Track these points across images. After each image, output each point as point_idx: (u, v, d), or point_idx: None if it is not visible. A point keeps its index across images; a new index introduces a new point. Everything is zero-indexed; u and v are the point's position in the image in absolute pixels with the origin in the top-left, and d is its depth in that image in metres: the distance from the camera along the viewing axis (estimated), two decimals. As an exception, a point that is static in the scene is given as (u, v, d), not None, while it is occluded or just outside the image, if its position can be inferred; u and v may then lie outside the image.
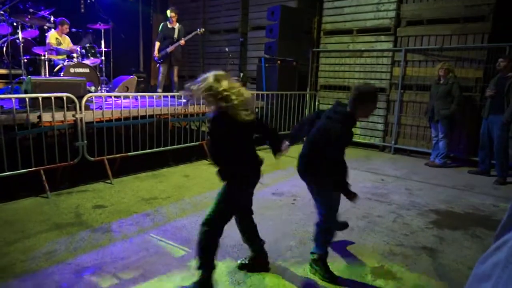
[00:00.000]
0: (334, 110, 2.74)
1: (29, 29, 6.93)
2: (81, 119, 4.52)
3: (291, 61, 7.78)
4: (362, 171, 5.82)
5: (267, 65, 7.67)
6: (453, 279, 2.82)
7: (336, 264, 2.95)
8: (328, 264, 2.83)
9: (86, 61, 6.67)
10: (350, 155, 6.91)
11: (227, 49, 8.62)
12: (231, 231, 3.45)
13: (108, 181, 4.79)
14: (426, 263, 3.03)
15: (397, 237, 3.48)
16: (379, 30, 7.34)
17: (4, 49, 6.67)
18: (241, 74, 9.39)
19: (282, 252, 3.11)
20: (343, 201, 4.37)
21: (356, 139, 7.74)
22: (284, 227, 3.61)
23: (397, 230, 3.64)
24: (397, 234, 3.54)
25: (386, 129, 7.41)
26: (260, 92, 7.48)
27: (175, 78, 7.59)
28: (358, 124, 7.69)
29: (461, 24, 6.39)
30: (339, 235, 3.45)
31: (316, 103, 8.18)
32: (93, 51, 7.05)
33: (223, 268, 2.83)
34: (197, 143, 6.02)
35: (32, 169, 4.15)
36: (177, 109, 5.81)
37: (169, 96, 5.91)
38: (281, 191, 4.71)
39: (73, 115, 4.48)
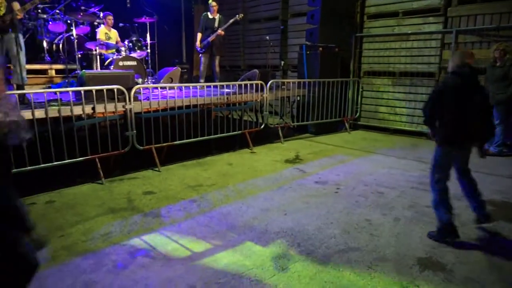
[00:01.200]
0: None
1: (82, 25, 7.33)
2: (130, 110, 4.75)
3: (333, 47, 7.60)
4: (409, 160, 5.62)
5: (308, 52, 7.56)
6: (507, 271, 2.68)
7: (381, 253, 2.91)
8: (372, 253, 2.79)
9: (133, 54, 6.96)
10: (396, 143, 6.73)
11: (267, 37, 8.58)
12: (274, 218, 3.52)
13: (156, 168, 5.02)
14: (478, 256, 2.89)
15: (447, 228, 3.34)
16: (427, 11, 6.94)
17: (61, 45, 7.14)
18: (282, 62, 9.34)
19: (325, 240, 3.11)
20: (390, 190, 4.27)
21: (402, 126, 7.47)
22: (327, 216, 3.60)
23: (446, 221, 3.49)
24: (446, 225, 3.40)
25: (434, 115, 7.05)
26: (301, 80, 7.40)
27: (217, 68, 7.70)
28: (404, 111, 7.42)
29: (521, 0, 5.88)
30: (381, 223, 3.39)
31: (360, 90, 7.96)
32: (139, 44, 7.33)
33: (267, 253, 2.89)
34: (239, 132, 6.11)
35: (88, 157, 4.45)
36: (220, 98, 5.92)
37: (211, 86, 6.02)
38: (325, 179, 4.68)
39: (123, 106, 4.72)
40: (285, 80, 7.67)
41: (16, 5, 4.52)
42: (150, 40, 7.93)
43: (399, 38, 7.38)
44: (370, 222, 3.47)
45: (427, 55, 7.03)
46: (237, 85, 6.34)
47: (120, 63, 6.35)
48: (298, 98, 7.49)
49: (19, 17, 4.57)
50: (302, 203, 3.91)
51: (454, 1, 6.60)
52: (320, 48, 7.39)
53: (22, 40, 4.74)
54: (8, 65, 5.64)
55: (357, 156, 5.84)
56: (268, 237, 3.16)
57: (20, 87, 4.74)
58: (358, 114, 8.08)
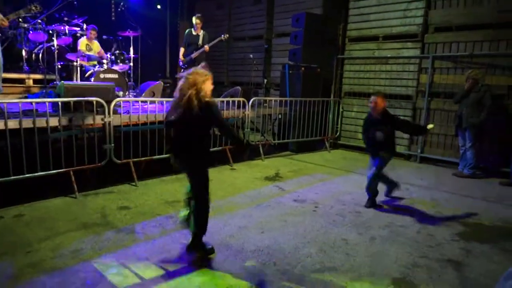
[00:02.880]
0: None
1: (63, 36, 7.26)
2: (109, 123, 4.68)
3: (315, 67, 7.76)
4: (386, 180, 5.70)
5: (291, 71, 7.68)
6: (480, 294, 2.72)
7: (356, 272, 2.90)
8: (348, 273, 2.78)
9: (116, 67, 6.91)
10: (364, 162, 6.81)
11: (251, 55, 8.70)
12: (251, 236, 3.47)
13: (133, 183, 4.92)
14: (452, 277, 2.93)
15: (421, 249, 3.38)
16: (405, 36, 7.21)
17: (40, 55, 7.03)
18: (265, 80, 9.45)
19: (301, 259, 3.09)
20: (367, 210, 4.31)
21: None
22: (304, 234, 3.59)
23: (421, 241, 3.54)
24: (421, 246, 3.45)
25: (412, 137, 7.24)
26: (283, 99, 7.49)
27: (200, 84, 7.71)
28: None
29: (493, 30, 6.18)
30: (358, 242, 3.41)
31: (340, 109, 8.11)
32: (122, 58, 7.29)
33: (242, 274, 2.84)
34: (219, 148, 6.09)
35: (62, 170, 4.32)
36: (201, 114, 5.90)
37: (193, 102, 6.00)
38: (303, 198, 4.68)
39: (102, 119, 4.65)
40: (267, 98, 7.75)
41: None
42: (134, 54, 7.91)
43: (378, 61, 7.61)
44: (347, 241, 3.48)
45: (405, 78, 7.26)
46: (219, 102, 6.35)
47: (102, 76, 6.28)
48: (280, 116, 7.56)
49: (4, 25, 4.48)
50: (280, 221, 3.89)
51: (431, 28, 6.88)
52: (303, 68, 7.53)
53: None
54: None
55: (337, 175, 5.89)
56: (244, 256, 3.11)
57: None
58: (338, 133, 8.20)
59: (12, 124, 3.97)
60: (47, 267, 2.82)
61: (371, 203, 4.46)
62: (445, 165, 6.70)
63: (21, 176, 4.01)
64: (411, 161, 7.17)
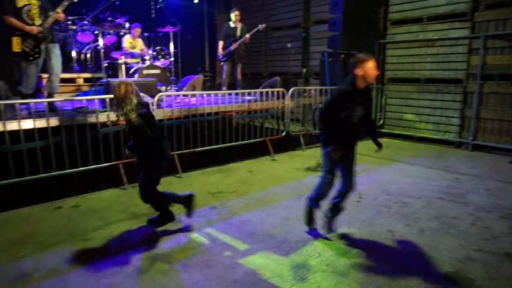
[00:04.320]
0: None
1: (108, 35, 7.58)
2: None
3: (356, 54, 7.50)
4: (435, 169, 5.44)
5: (330, 59, 7.50)
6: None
7: (404, 265, 2.81)
8: (396, 266, 2.70)
9: (157, 63, 7.12)
10: (421, 151, 6.54)
11: (289, 45, 8.60)
12: (294, 227, 3.47)
13: (178, 175, 5.08)
14: (510, 272, 2.75)
15: (476, 242, 3.20)
16: (453, 16, 6.75)
17: (88, 55, 7.40)
18: (304, 70, 9.31)
19: (346, 251, 3.04)
20: (415, 200, 4.15)
21: (428, 134, 7.26)
22: (349, 226, 3.52)
23: (475, 234, 3.35)
24: (475, 238, 3.26)
25: (462, 124, 6.83)
26: (323, 87, 7.34)
27: (239, 76, 7.76)
28: (430, 118, 7.21)
29: (555, 4, 5.64)
30: (405, 234, 3.29)
31: (383, 97, 7.81)
32: (163, 53, 7.50)
33: (286, 263, 2.85)
34: (260, 139, 6.11)
35: (112, 163, 4.55)
36: (241, 106, 5.95)
37: (233, 94, 6.07)
38: (346, 188, 4.59)
39: (147, 114, 4.81)
40: (307, 88, 7.64)
41: (52, 13, 4.69)
42: (174, 49, 8.10)
43: (424, 44, 7.22)
44: (393, 233, 3.37)
45: (453, 61, 6.83)
46: (258, 93, 6.36)
47: (145, 72, 6.50)
48: (320, 106, 7.42)
49: (61, 17, 4.73)
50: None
51: (482, 5, 6.40)
52: (342, 55, 7.32)
53: (59, 50, 4.93)
54: (40, 74, 5.87)
55: (381, 164, 5.71)
56: (288, 246, 3.11)
57: (50, 95, 4.92)
58: (381, 121, 7.92)
59: (66, 120, 4.23)
60: (102, 253, 2.99)
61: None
62: (500, 153, 6.26)
63: (75, 170, 4.28)
64: (462, 149, 6.77)
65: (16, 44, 4.55)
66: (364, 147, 6.99)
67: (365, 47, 7.76)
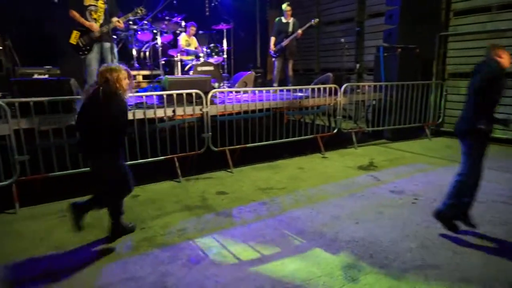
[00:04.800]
0: None
1: (165, 34, 7.92)
2: (207, 113, 5.00)
3: (414, 48, 7.13)
4: (502, 172, 5.02)
5: (386, 54, 7.20)
6: None
7: (464, 273, 2.64)
8: (454, 272, 2.55)
9: (211, 60, 7.31)
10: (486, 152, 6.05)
11: (342, 39, 8.38)
12: (345, 226, 3.41)
13: (229, 170, 5.20)
14: None
15: (548, 252, 2.92)
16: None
17: (147, 53, 7.79)
18: (357, 65, 9.04)
19: (400, 254, 2.93)
20: (477, 204, 3.89)
21: (494, 133, 6.70)
22: (403, 228, 3.39)
23: (548, 243, 3.06)
24: (548, 248, 2.98)
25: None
26: (378, 83, 7.08)
27: (290, 72, 7.73)
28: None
29: None
30: (464, 239, 3.09)
31: (444, 93, 7.35)
32: (216, 50, 7.69)
33: (337, 262, 2.81)
34: (311, 136, 6.05)
35: (168, 156, 4.78)
36: (292, 102, 5.93)
37: (284, 90, 6.06)
38: (401, 189, 4.41)
39: (200, 109, 4.98)
40: (360, 84, 7.40)
41: (114, 18, 5.06)
42: (227, 46, 8.26)
43: (492, 36, 6.65)
44: (452, 238, 3.18)
45: (527, 54, 6.23)
46: (310, 89, 6.30)
47: (199, 69, 6.72)
48: (374, 102, 7.17)
49: (120, 25, 5.12)
50: (375, 213, 3.73)
51: None
52: (399, 49, 6.99)
53: (116, 50, 5.28)
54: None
55: (439, 165, 5.39)
56: (338, 246, 3.07)
57: (113, 91, 5.27)
58: (441, 119, 7.46)
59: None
60: (159, 242, 3.17)
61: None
62: None
63: (135, 161, 4.55)
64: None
65: (74, 37, 4.96)
66: (420, 146, 6.68)
67: (424, 40, 7.36)
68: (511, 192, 4.22)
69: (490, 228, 3.35)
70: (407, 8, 7.02)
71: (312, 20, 7.47)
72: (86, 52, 5.07)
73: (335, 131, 6.40)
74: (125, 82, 3.00)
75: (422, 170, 5.11)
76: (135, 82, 7.56)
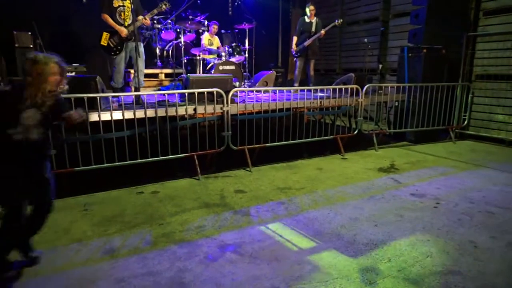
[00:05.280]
0: None
1: (188, 33, 8.03)
2: (227, 112, 5.04)
3: (440, 48, 6.95)
4: (530, 178, 4.84)
5: (410, 54, 7.05)
6: None
7: (488, 281, 2.56)
8: (477, 280, 2.47)
9: (233, 59, 7.36)
10: (500, 155, 5.85)
11: (366, 39, 8.27)
12: (364, 229, 3.37)
13: (248, 169, 5.23)
14: None
15: None
16: None
17: (170, 52, 7.92)
18: (380, 66, 8.89)
19: (420, 258, 2.87)
20: (503, 211, 3.75)
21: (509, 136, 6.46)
22: (423, 232, 3.32)
23: None
24: None
25: None
26: (401, 84, 6.94)
27: (311, 72, 7.69)
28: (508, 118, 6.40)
29: None
30: (490, 247, 2.99)
31: (470, 95, 7.13)
32: (238, 50, 7.73)
33: (354, 265, 2.79)
34: (331, 137, 6.00)
35: (188, 154, 4.85)
36: (313, 102, 5.90)
37: (305, 90, 6.03)
38: (422, 192, 4.31)
39: (221, 108, 5.03)
40: (383, 85, 7.27)
41: (141, 18, 5.19)
42: (248, 45, 8.29)
43: (524, 37, 6.41)
44: (475, 244, 3.09)
45: (561, 56, 5.97)
46: (331, 89, 6.24)
47: (220, 67, 6.78)
48: (396, 104, 7.04)
49: (147, 23, 5.25)
50: (395, 216, 3.67)
51: None
52: (424, 50, 6.83)
53: (142, 48, 5.41)
54: (128, 69, 6.44)
55: (463, 169, 5.24)
56: (356, 248, 3.04)
57: (137, 89, 5.40)
58: (466, 122, 7.24)
59: (150, 113, 4.60)
60: (177, 238, 3.23)
61: None
62: None
63: (156, 158, 4.64)
64: None
65: (104, 39, 5.11)
66: (443, 149, 6.52)
67: (451, 41, 7.16)
68: (539, 199, 4.06)
69: (516, 236, 3.24)
70: (434, 8, 6.85)
71: (336, 21, 7.41)
72: (117, 52, 5.22)
73: (355, 132, 6.32)
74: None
75: (445, 174, 4.99)
76: (157, 80, 7.71)
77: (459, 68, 7.31)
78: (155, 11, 5.30)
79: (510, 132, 6.66)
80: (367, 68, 8.68)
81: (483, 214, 3.70)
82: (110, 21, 5.07)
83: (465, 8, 7.27)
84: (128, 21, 5.23)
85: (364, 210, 3.80)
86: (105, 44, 5.18)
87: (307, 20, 7.47)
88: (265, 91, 5.98)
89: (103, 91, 4.51)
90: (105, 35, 5.15)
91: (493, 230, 3.34)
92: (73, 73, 5.39)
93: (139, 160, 4.54)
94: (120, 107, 4.49)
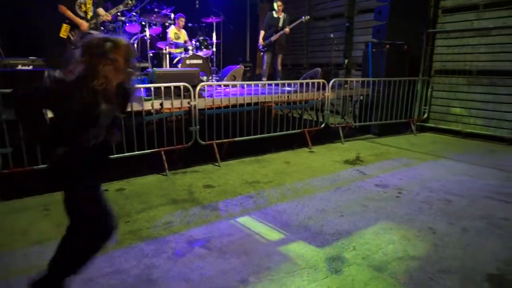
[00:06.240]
0: None
1: (154, 26, 7.83)
2: (194, 106, 4.98)
3: (402, 44, 7.21)
4: (485, 167, 5.13)
5: (374, 50, 7.26)
6: None
7: (445, 265, 2.71)
8: (435, 264, 2.62)
9: (200, 53, 7.27)
10: (470, 148, 6.19)
11: (332, 35, 8.42)
12: (330, 219, 3.45)
13: (216, 163, 5.20)
14: None
15: (525, 244, 3.01)
16: (514, 2, 6.27)
17: (135, 45, 7.69)
18: (346, 61, 9.09)
19: (383, 246, 2.98)
20: (460, 198, 3.97)
21: (478, 130, 6.84)
22: (387, 221, 3.45)
23: (525, 236, 3.15)
24: (525, 241, 3.07)
25: (517, 119, 6.37)
26: (366, 79, 7.14)
27: (279, 67, 7.74)
28: (481, 113, 6.79)
29: None
30: (447, 233, 3.16)
31: (430, 89, 7.45)
32: (205, 43, 7.64)
33: (321, 255, 2.85)
34: (298, 130, 6.08)
35: (155, 149, 4.75)
36: (281, 97, 5.94)
37: (273, 84, 6.07)
38: (386, 183, 4.48)
39: (188, 103, 4.96)
40: (348, 79, 7.46)
41: (101, 11, 5.00)
42: (216, 39, 8.21)
43: (478, 34, 6.76)
44: (434, 231, 3.25)
45: (511, 52, 6.35)
46: (298, 84, 6.32)
47: (188, 62, 6.68)
48: (361, 98, 7.24)
49: (108, 19, 5.05)
50: (360, 206, 3.79)
51: (548, -10, 5.87)
52: (387, 46, 7.06)
53: None
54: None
55: (424, 160, 5.49)
56: (323, 238, 3.11)
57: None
58: (426, 115, 7.57)
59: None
60: (144, 235, 3.17)
61: None
62: (559, 152, 5.79)
63: (121, 155, 4.51)
64: (515, 146, 6.34)
65: (64, 31, 4.88)
66: (406, 141, 6.78)
67: (412, 37, 7.43)
68: (496, 188, 4.32)
69: (470, 222, 3.43)
70: (397, 5, 7.08)
71: (303, 17, 7.49)
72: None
73: (322, 125, 6.44)
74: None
75: (407, 165, 5.20)
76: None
77: (419, 64, 7.62)
78: (121, 7, 5.13)
79: (466, 124, 7.03)
80: (334, 63, 8.85)
81: (441, 202, 3.90)
82: (69, 13, 4.85)
83: (425, 6, 7.56)
84: (91, 14, 5.03)
85: (331, 202, 3.89)
86: (65, 37, 4.96)
87: (275, 15, 7.49)
88: (233, 86, 5.95)
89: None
90: (65, 27, 4.92)
91: (450, 217, 3.53)
92: (30, 67, 5.11)
93: (104, 157, 4.39)
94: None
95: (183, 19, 7.56)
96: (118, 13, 7.51)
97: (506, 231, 3.25)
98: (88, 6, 5.00)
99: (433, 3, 7.48)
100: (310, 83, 6.27)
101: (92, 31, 4.98)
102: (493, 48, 6.57)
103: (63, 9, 4.84)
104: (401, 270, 2.65)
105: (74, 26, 4.93)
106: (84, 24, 4.91)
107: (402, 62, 7.31)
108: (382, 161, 5.44)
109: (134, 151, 4.59)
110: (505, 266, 2.71)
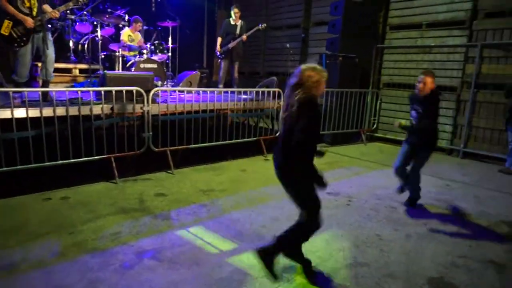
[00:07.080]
0: None
1: (107, 27, 7.53)
2: (148, 112, 4.83)
3: (353, 57, 7.54)
4: (427, 175, 5.44)
5: (328, 61, 7.53)
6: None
7: (390, 270, 2.84)
8: (381, 269, 2.73)
9: (155, 57, 7.08)
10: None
11: (288, 45, 8.60)
12: (284, 228, 3.49)
13: (170, 171, 5.07)
14: (494, 279, 2.79)
15: (461, 248, 3.24)
16: (452, 23, 6.81)
17: (86, 46, 7.35)
18: (301, 71, 9.31)
19: (333, 253, 3.06)
20: (403, 206, 4.18)
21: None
22: (337, 228, 3.55)
23: (460, 241, 3.39)
24: (460, 245, 3.30)
25: (455, 131, 6.89)
26: (319, 89, 7.35)
27: (236, 74, 7.75)
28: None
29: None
30: (392, 239, 3.32)
31: (378, 101, 7.85)
32: (161, 48, 7.46)
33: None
34: (254, 138, 6.12)
35: (104, 156, 4.54)
36: (237, 104, 5.95)
37: (229, 92, 6.06)
38: (337, 191, 4.62)
39: (141, 108, 4.80)
40: (303, 89, 7.63)
41: (47, 8, 4.68)
42: (172, 44, 8.07)
43: (421, 51, 7.26)
44: (381, 237, 3.40)
45: (449, 69, 6.89)
46: (254, 92, 6.36)
47: (142, 65, 6.48)
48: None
49: (56, 16, 4.73)
50: (313, 214, 3.86)
51: (481, 14, 6.45)
52: (340, 58, 7.35)
53: (50, 37, 4.88)
54: (35, 62, 5.80)
55: (372, 168, 5.74)
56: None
57: (46, 83, 4.87)
58: (375, 126, 7.96)
59: (60, 111, 4.21)
60: (89, 247, 2.99)
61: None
62: (490, 162, 6.33)
63: (67, 161, 4.26)
64: (453, 156, 6.84)
65: (6, 27, 4.51)
66: (356, 150, 7.07)
67: (363, 51, 7.81)
68: (436, 195, 4.61)
69: (413, 228, 3.63)
70: (349, 20, 7.40)
71: (260, 25, 7.57)
72: (22, 44, 4.62)
73: (277, 134, 6.53)
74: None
75: (357, 173, 5.41)
76: (70, 76, 7.10)
77: (369, 76, 8.01)
78: (71, 4, 4.84)
79: (411, 135, 7.46)
80: (289, 72, 8.99)
81: (387, 209, 4.09)
82: (11, 8, 4.49)
83: (375, 22, 8.00)
84: (35, 10, 4.70)
85: (284, 210, 3.93)
86: (6, 34, 4.58)
87: (232, 22, 7.52)
88: (189, 92, 5.86)
89: (2, 86, 4.00)
90: (7, 23, 4.55)
91: (395, 223, 3.71)
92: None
93: (47, 163, 4.12)
94: (23, 104, 4.02)
95: (140, 24, 7.31)
96: (68, 11, 7.14)
97: (443, 236, 3.48)
98: (32, 1, 4.67)
99: (381, 20, 7.93)
100: (266, 91, 6.34)
101: (38, 28, 4.66)
102: (434, 65, 7.07)
103: (4, 3, 4.48)
104: (350, 276, 2.74)
105: (17, 23, 4.58)
106: (29, 21, 4.58)
107: (354, 74, 7.64)
108: (334, 169, 5.62)
109: (81, 157, 4.35)
110: (444, 269, 2.89)
